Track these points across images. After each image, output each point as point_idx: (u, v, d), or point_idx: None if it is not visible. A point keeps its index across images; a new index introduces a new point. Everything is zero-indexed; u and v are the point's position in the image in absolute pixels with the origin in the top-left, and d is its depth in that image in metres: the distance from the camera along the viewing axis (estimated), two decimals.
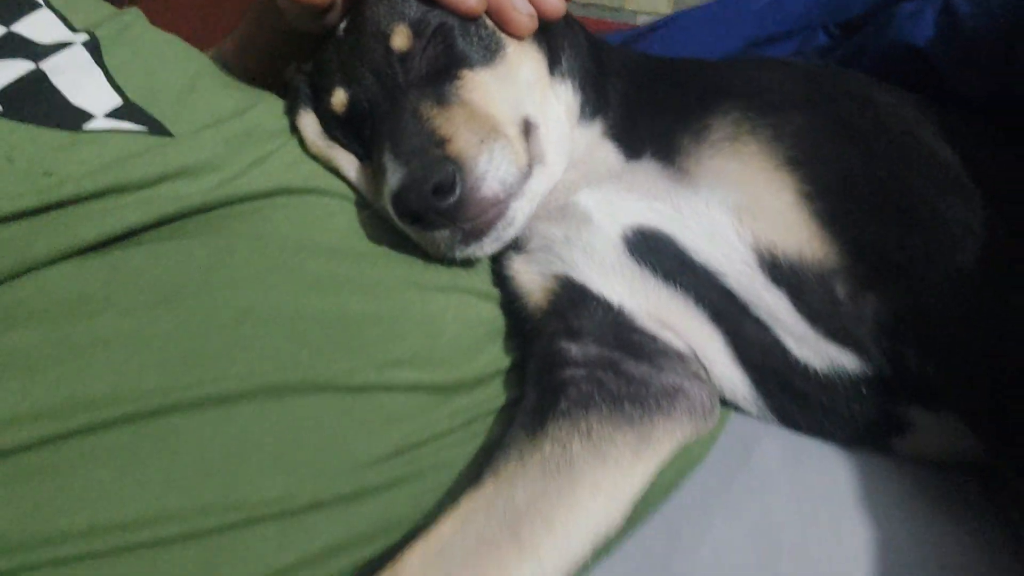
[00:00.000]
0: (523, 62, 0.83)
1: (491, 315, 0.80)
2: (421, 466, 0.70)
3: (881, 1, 1.01)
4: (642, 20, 2.80)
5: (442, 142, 0.72)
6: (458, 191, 0.71)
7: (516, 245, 0.81)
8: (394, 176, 0.72)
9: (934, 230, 0.67)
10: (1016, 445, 0.63)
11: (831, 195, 0.70)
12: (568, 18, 0.90)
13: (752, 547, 0.66)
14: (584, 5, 2.85)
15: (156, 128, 0.73)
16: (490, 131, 0.74)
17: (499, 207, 0.74)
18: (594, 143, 0.84)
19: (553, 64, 0.86)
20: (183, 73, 0.79)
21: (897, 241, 0.68)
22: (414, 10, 0.82)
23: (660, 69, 0.89)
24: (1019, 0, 0.81)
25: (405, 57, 0.80)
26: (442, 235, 0.73)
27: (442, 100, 0.76)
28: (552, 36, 0.87)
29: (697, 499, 0.69)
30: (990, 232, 0.67)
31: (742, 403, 0.76)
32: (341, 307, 0.71)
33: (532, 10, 0.83)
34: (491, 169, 0.73)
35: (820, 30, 1.07)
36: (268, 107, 0.83)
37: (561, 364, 0.74)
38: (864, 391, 0.70)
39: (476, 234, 0.74)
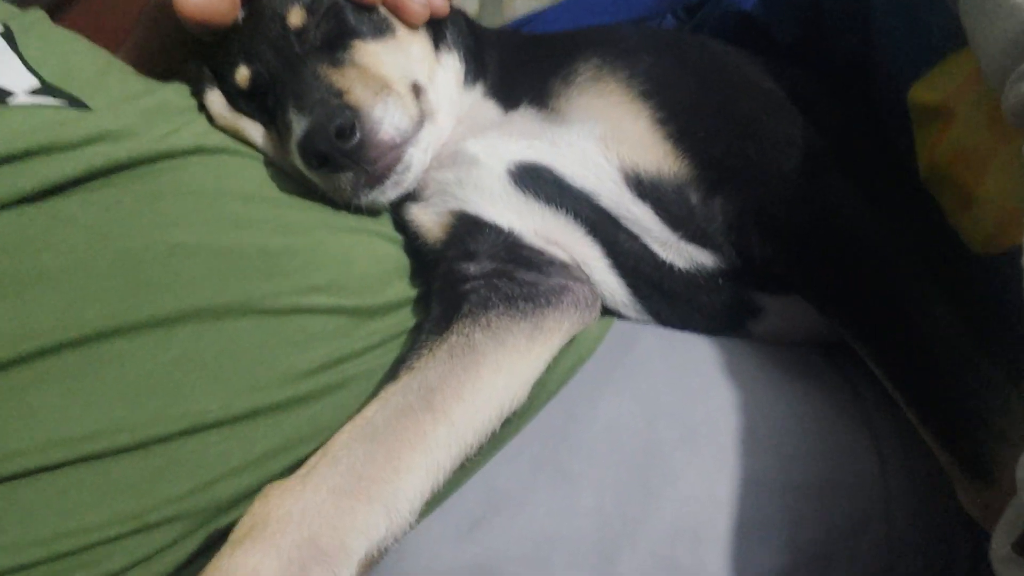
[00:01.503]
0: (412, 42, 0.93)
1: (397, 254, 0.89)
2: (344, 377, 0.78)
3: None
4: None
5: (340, 93, 0.81)
6: (358, 134, 0.80)
7: (413, 196, 0.91)
8: (299, 126, 0.81)
9: (762, 141, 0.81)
10: (845, 311, 0.76)
11: (679, 119, 0.82)
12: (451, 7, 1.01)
13: (637, 413, 0.77)
14: None
15: (75, 103, 0.80)
16: (383, 87, 0.84)
17: (396, 151, 0.84)
18: (476, 102, 0.95)
19: (439, 41, 0.96)
20: (93, 61, 0.86)
21: (735, 152, 0.81)
22: None
23: (529, 40, 1.02)
24: None
25: (300, 31, 0.89)
26: (347, 177, 0.82)
27: (337, 63, 0.86)
28: (436, 20, 0.97)
29: (588, 383, 0.79)
30: (805, 141, 0.81)
31: (622, 308, 0.87)
32: (261, 242, 0.79)
33: (425, 0, 0.93)
34: (386, 116, 0.82)
35: (668, 15, 1.23)
36: (174, 88, 0.90)
37: (462, 280, 0.84)
38: (721, 282, 0.82)
39: (378, 178, 0.84)
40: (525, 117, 0.89)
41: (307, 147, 0.80)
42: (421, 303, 0.86)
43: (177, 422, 0.70)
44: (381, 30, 0.91)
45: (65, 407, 0.68)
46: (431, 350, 0.77)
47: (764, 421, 0.76)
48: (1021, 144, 0.66)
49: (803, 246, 0.77)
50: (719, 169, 0.81)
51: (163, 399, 0.70)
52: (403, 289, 0.86)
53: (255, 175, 0.85)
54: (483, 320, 0.79)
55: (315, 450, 0.73)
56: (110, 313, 0.70)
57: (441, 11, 0.95)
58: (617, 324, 0.85)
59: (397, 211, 0.92)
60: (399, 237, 0.91)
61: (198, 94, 0.92)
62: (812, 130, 0.83)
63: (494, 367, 0.76)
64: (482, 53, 0.98)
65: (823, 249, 0.76)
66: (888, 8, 0.87)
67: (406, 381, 0.74)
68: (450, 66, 0.96)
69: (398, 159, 0.84)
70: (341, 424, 0.74)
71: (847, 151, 0.86)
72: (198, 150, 0.82)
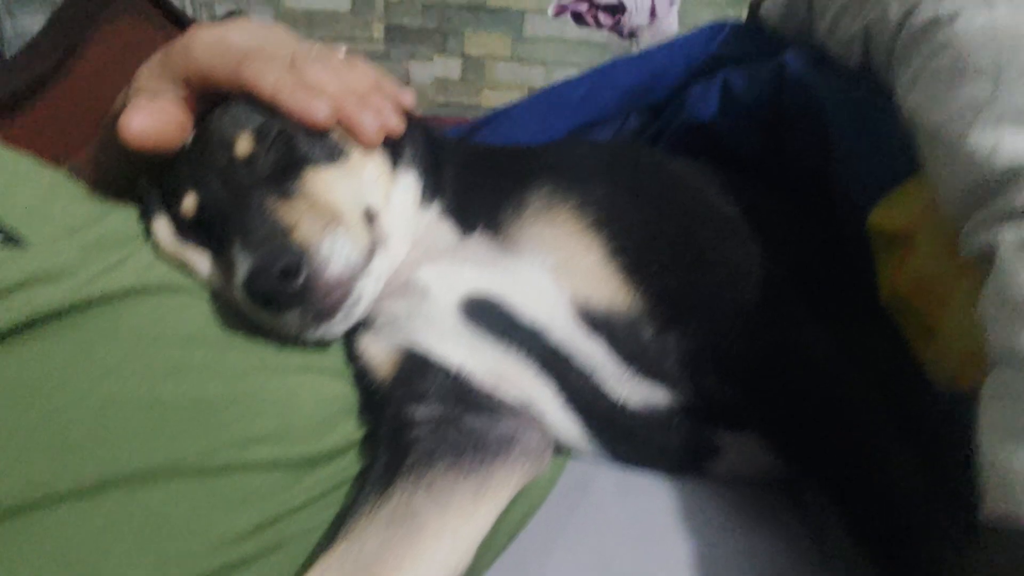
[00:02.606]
0: (367, 163, 0.90)
1: (344, 392, 0.85)
2: (282, 537, 0.74)
3: (679, 86, 1.16)
4: None
5: (287, 230, 0.78)
6: (304, 273, 0.77)
7: (364, 323, 0.88)
8: (243, 265, 0.78)
9: (718, 272, 0.78)
10: (804, 454, 0.73)
11: (632, 250, 0.80)
12: (407, 115, 0.97)
13: (590, 572, 0.73)
14: (442, 105, 3.00)
15: (10, 238, 0.77)
16: (332, 218, 0.81)
17: (345, 287, 0.80)
18: (433, 223, 0.92)
19: (396, 158, 0.94)
20: (37, 185, 0.83)
21: (689, 284, 0.78)
22: (257, 118, 0.88)
23: (487, 155, 1.00)
24: (779, 74, 0.96)
25: (249, 160, 0.86)
26: (293, 316, 0.79)
27: (285, 194, 0.83)
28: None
29: (540, 536, 0.76)
30: (764, 271, 0.79)
31: (577, 445, 0.84)
32: (198, 392, 0.75)
33: (380, 123, 0.89)
34: (335, 252, 0.79)
35: (632, 115, 1.21)
36: (122, 214, 0.87)
37: (408, 426, 0.80)
38: (677, 421, 0.79)
39: (326, 314, 0.80)
40: (479, 244, 0.87)
41: (251, 289, 0.77)
42: (368, 444, 0.82)
43: None
44: (334, 155, 0.88)
45: None
46: (371, 512, 0.73)
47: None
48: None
49: (761, 385, 0.74)
50: (673, 303, 0.78)
51: (87, 575, 0.67)
52: (349, 431, 0.82)
53: (197, 314, 0.82)
54: (426, 479, 0.75)
55: None
56: (31, 483, 0.67)
57: (397, 131, 0.92)
58: (571, 465, 0.82)
59: (347, 339, 0.89)
60: (347, 371, 0.87)
61: (146, 219, 0.90)
62: (773, 258, 0.80)
63: (435, 533, 0.72)
64: (440, 169, 0.96)
65: (782, 389, 0.73)
66: (847, 127, 0.85)
67: (343, 551, 0.70)
68: (407, 185, 0.93)
69: (347, 294, 0.81)
70: None
71: (810, 276, 0.84)
72: (137, 290, 0.80)
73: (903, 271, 0.78)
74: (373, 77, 0.99)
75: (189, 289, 0.84)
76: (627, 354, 0.79)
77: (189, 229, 0.88)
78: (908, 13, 0.75)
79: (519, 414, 0.82)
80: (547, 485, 0.79)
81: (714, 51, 1.14)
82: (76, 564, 0.66)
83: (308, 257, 0.77)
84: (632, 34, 2.91)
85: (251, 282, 0.77)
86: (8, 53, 1.74)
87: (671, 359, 0.77)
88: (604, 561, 0.74)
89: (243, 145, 0.87)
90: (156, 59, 0.89)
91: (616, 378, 0.80)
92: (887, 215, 0.80)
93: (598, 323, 0.79)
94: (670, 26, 2.89)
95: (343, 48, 1.00)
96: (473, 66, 3.01)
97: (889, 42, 0.78)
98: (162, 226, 0.89)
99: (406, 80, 2.99)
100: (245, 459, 0.74)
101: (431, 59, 3.02)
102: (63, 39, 1.78)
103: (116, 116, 0.94)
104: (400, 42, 2.96)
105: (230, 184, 0.86)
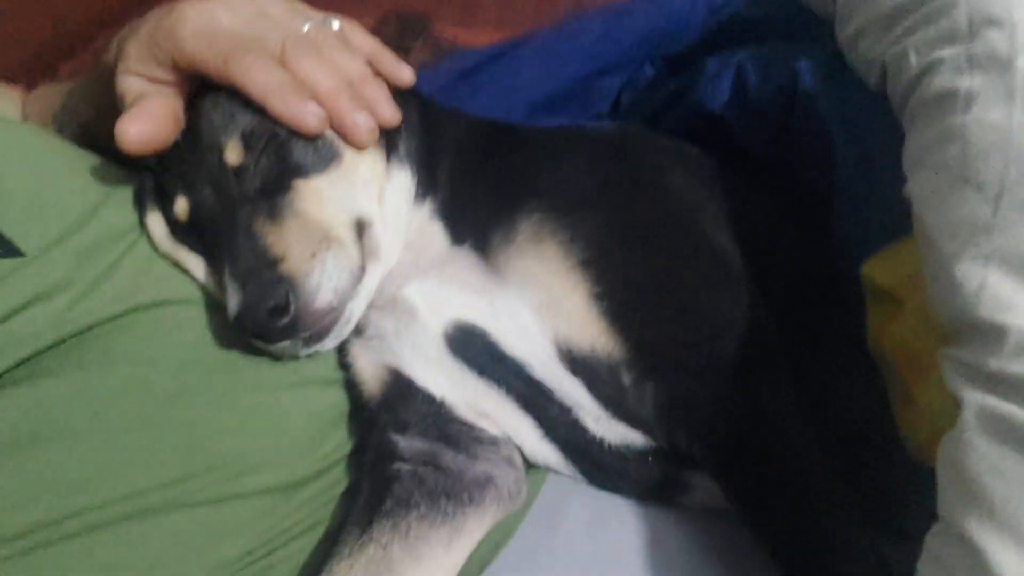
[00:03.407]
0: (361, 163, 0.87)
1: (335, 399, 0.89)
2: (272, 561, 0.80)
3: (695, 44, 1.09)
4: None
5: (274, 262, 0.78)
6: (293, 309, 0.77)
7: (356, 330, 0.89)
8: (232, 299, 0.78)
9: (700, 326, 0.78)
10: (757, 518, 0.75)
11: (617, 295, 0.79)
12: (404, 94, 0.94)
13: None
14: None
15: (6, 248, 0.77)
16: (322, 240, 0.80)
17: (335, 313, 0.81)
18: (425, 222, 0.91)
19: (391, 151, 0.91)
20: (30, 174, 0.82)
21: (670, 337, 0.78)
22: (247, 121, 0.84)
23: (484, 140, 0.96)
24: (793, 76, 0.90)
25: (239, 170, 0.84)
26: (283, 345, 0.81)
27: (274, 213, 0.81)
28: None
29: (511, 566, 0.81)
30: (749, 322, 0.78)
31: (555, 467, 0.88)
32: (191, 421, 0.78)
33: (373, 123, 0.86)
34: (324, 280, 0.79)
35: (646, 64, 1.15)
36: (117, 203, 0.87)
37: (390, 457, 0.84)
38: (650, 460, 0.82)
39: (316, 338, 0.82)
40: (468, 261, 0.86)
41: (240, 326, 0.78)
42: (354, 459, 0.87)
43: None
44: (326, 160, 0.85)
45: None
46: (350, 556, 0.78)
47: None
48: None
49: (727, 450, 0.75)
50: (652, 354, 0.78)
51: None
52: (339, 444, 0.86)
53: (190, 332, 0.84)
54: (403, 527, 0.80)
55: None
56: (32, 524, 0.71)
57: (391, 123, 0.89)
58: (546, 488, 0.86)
59: (339, 346, 0.90)
60: (338, 376, 0.90)
61: (140, 208, 0.89)
62: (759, 306, 0.79)
63: None
64: (435, 161, 0.93)
65: (745, 458, 0.75)
66: (853, 168, 0.81)
67: None
68: (401, 182, 0.91)
69: (336, 320, 0.82)
70: None
71: (802, 306, 0.83)
72: (130, 311, 0.81)
73: (890, 331, 0.77)
74: (369, 50, 0.94)
75: (183, 300, 0.85)
76: (606, 397, 0.81)
77: (182, 231, 0.88)
78: (925, 71, 0.70)
79: (497, 450, 0.85)
80: (521, 513, 0.84)
81: (738, 8, 1.07)
82: None
83: (297, 289, 0.78)
84: None
85: (240, 320, 0.78)
86: None
87: (647, 408, 0.79)
88: None
89: (233, 154, 0.84)
90: (144, 36, 0.85)
91: (594, 417, 0.82)
92: (880, 269, 0.78)
93: (579, 365, 0.81)
94: None
95: (336, 22, 0.94)
96: None
97: (904, 91, 0.73)
98: (156, 225, 0.88)
99: None
100: (236, 490, 0.78)
101: None
102: None
103: (108, 67, 0.91)
104: None
105: (221, 194, 0.85)
